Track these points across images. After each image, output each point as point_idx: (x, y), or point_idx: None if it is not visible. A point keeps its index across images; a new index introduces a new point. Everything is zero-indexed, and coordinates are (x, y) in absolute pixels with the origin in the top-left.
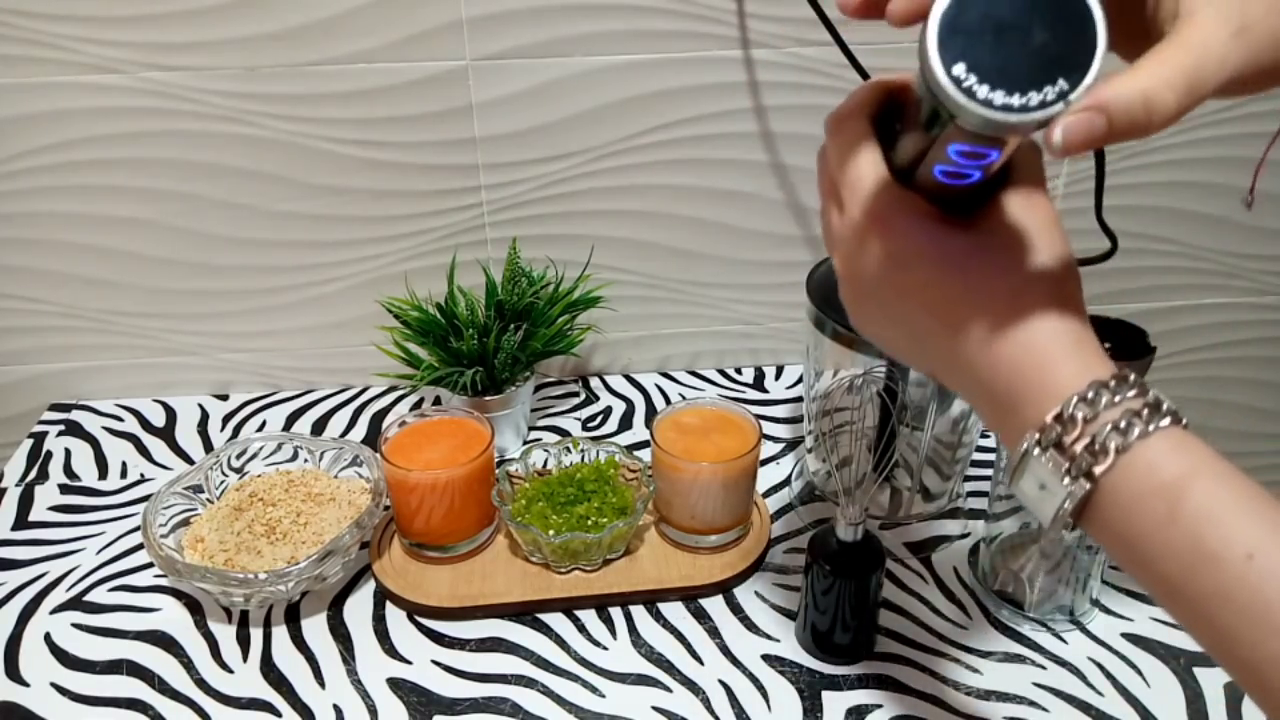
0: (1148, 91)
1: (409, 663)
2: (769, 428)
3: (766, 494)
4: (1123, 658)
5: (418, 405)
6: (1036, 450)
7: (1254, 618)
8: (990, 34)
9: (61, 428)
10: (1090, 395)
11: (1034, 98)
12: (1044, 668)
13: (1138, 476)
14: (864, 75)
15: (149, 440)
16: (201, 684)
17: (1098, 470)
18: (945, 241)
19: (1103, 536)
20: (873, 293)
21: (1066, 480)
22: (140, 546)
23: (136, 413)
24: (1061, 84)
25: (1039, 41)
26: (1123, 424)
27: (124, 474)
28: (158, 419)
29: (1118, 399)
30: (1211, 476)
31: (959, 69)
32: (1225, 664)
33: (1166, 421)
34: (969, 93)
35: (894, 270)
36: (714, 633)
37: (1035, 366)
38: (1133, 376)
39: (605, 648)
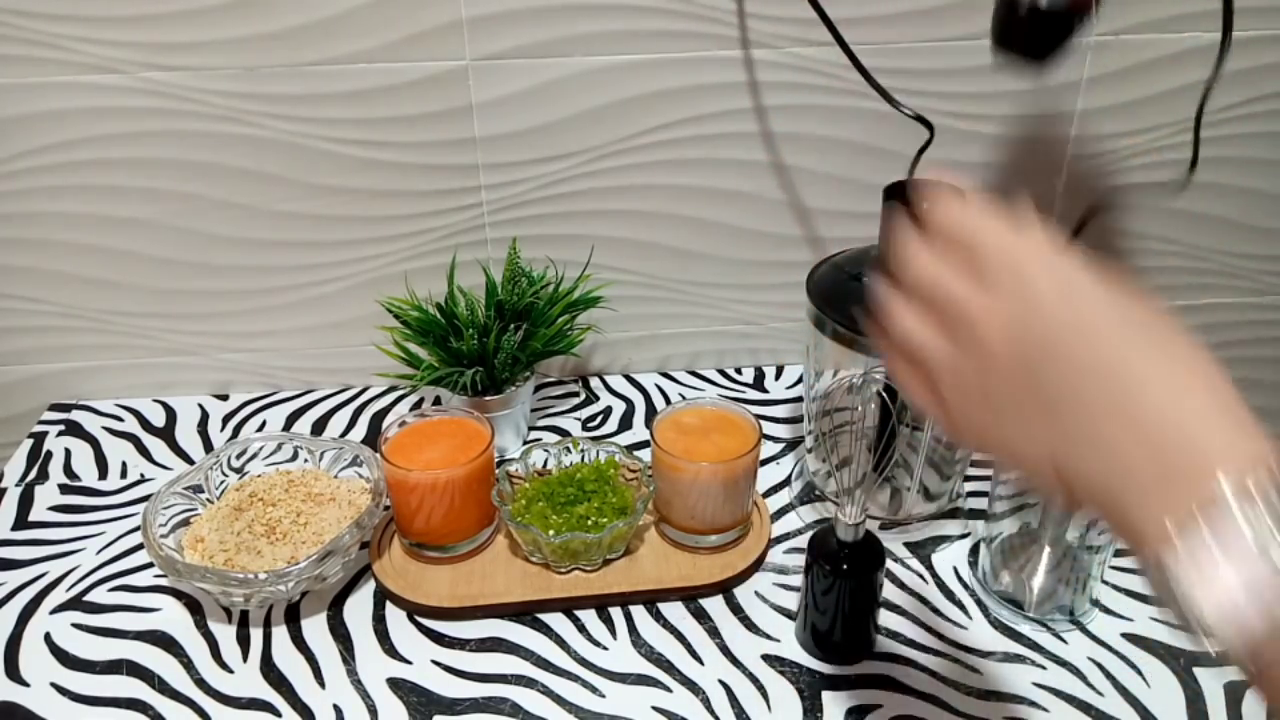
0: None
1: (409, 663)
2: (769, 428)
3: (766, 494)
4: (1123, 658)
5: (418, 405)
6: (1241, 497)
7: None
8: None
9: (61, 428)
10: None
11: None
12: (1044, 668)
13: None
14: (864, 75)
15: (149, 440)
16: (201, 684)
17: None
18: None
19: None
20: (1020, 355)
21: None
22: (140, 546)
23: (136, 413)
24: None
25: None
26: None
27: (124, 474)
28: (158, 419)
29: None
30: None
31: None
32: None
33: None
34: None
35: (1063, 306)
36: (714, 633)
37: (1224, 410)
38: None
39: (605, 648)
